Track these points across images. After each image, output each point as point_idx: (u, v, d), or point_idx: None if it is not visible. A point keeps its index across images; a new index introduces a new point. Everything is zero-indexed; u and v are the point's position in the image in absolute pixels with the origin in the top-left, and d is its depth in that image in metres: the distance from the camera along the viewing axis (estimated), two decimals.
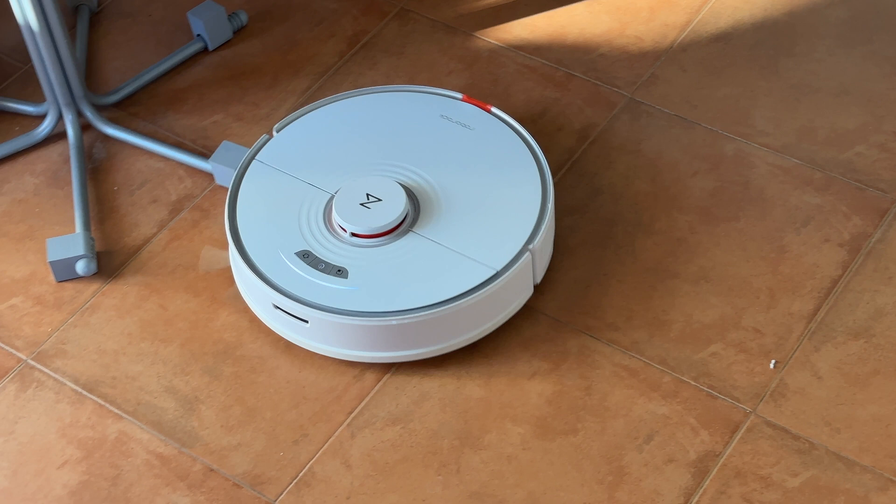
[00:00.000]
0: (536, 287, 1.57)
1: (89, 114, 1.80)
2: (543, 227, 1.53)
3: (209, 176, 1.75)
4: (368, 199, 1.55)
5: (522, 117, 1.78)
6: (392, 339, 1.49)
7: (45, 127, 1.80)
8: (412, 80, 1.86)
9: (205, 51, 1.93)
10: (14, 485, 1.44)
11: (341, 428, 1.48)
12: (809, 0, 1.88)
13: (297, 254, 1.52)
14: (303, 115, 1.69)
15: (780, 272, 1.57)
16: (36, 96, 1.86)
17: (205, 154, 1.78)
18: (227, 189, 1.70)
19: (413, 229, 1.55)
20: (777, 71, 1.80)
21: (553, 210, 1.56)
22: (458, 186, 1.59)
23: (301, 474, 1.44)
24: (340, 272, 1.50)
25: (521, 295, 1.54)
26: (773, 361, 1.48)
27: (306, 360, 1.53)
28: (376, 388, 1.51)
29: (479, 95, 1.83)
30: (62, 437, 1.48)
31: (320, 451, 1.46)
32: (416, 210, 1.57)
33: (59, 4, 1.71)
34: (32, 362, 1.55)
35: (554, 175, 1.71)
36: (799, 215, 1.62)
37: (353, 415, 1.49)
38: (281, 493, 1.43)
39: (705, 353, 1.50)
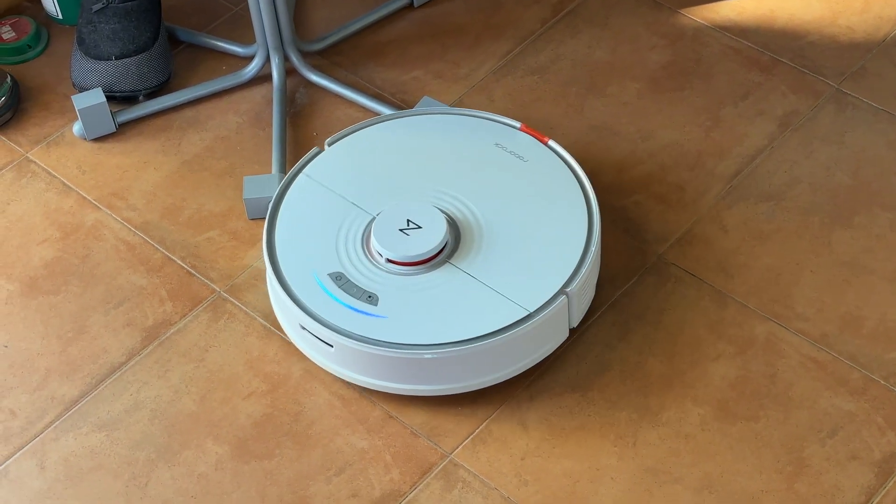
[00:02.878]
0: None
1: (295, 59, 1.83)
2: (584, 271, 1.47)
3: None
4: (409, 225, 1.50)
5: (723, 99, 1.77)
6: (414, 372, 1.45)
7: (251, 68, 1.85)
8: (613, 53, 1.85)
9: (410, 7, 1.95)
10: (202, 410, 1.48)
11: (520, 390, 1.49)
12: None
13: (330, 275, 1.48)
14: (356, 130, 1.65)
15: None
16: (244, 38, 1.91)
17: (403, 107, 1.80)
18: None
19: (451, 261, 1.49)
20: None
21: (598, 251, 1.51)
22: (502, 220, 1.53)
23: (477, 431, 1.46)
24: (371, 298, 1.46)
25: (554, 338, 1.49)
26: None
27: None
28: (559, 354, 1.51)
29: (681, 74, 1.82)
30: (249, 369, 1.52)
31: (497, 411, 1.47)
32: (455, 240, 1.51)
33: None
34: (225, 294, 1.60)
35: (752, 161, 1.69)
36: None
37: (532, 378, 1.49)
38: (457, 447, 1.44)
39: None
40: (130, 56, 1.81)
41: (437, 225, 1.50)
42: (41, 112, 1.85)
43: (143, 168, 1.76)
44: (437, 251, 1.49)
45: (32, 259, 1.65)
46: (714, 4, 1.89)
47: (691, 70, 1.82)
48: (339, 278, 1.48)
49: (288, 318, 1.50)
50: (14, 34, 1.91)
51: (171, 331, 1.56)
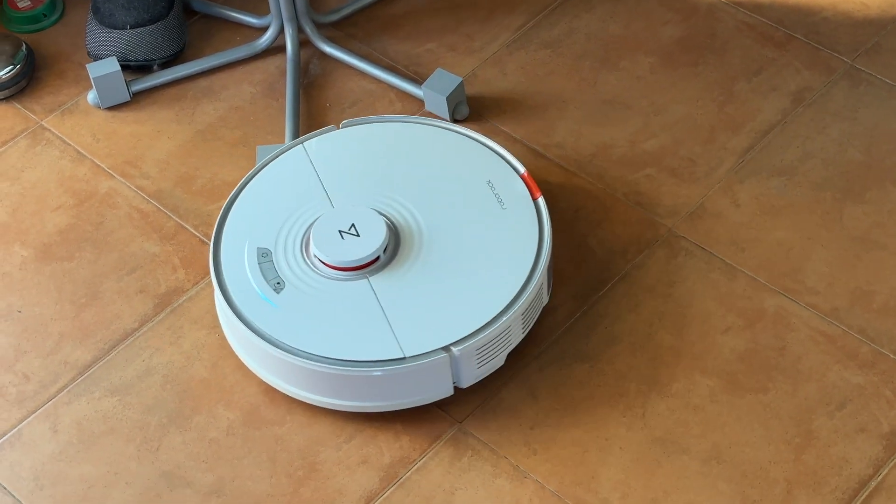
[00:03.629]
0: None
1: (309, 30, 1.84)
2: (486, 334, 1.41)
3: (419, 101, 1.78)
4: (351, 229, 1.47)
5: (736, 74, 1.77)
6: (290, 373, 1.43)
7: (265, 39, 1.85)
8: (626, 27, 1.85)
9: None
10: (213, 377, 1.50)
11: (530, 360, 1.49)
12: None
13: (259, 249, 1.49)
14: (374, 122, 1.64)
15: None
16: (259, 9, 1.91)
17: (416, 80, 1.81)
18: (437, 118, 1.73)
19: (370, 277, 1.46)
20: None
21: (518, 318, 1.45)
22: (444, 256, 1.48)
23: (487, 400, 1.47)
24: (278, 285, 1.45)
25: (432, 390, 1.44)
26: None
27: None
28: (569, 325, 1.51)
29: (695, 49, 1.82)
30: None
31: (507, 380, 1.48)
32: (389, 258, 1.48)
33: None
34: None
35: (765, 135, 1.69)
36: None
37: (542, 348, 1.50)
38: (467, 416, 1.45)
39: None
40: (145, 25, 1.82)
41: (375, 237, 1.47)
42: (56, 80, 1.85)
43: (157, 137, 1.77)
44: (358, 264, 1.46)
45: (46, 226, 1.66)
46: None
47: (705, 45, 1.82)
48: (264, 255, 1.48)
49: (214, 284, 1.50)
50: (29, 3, 1.92)
51: (184, 298, 1.57)
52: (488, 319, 1.42)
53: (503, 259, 1.48)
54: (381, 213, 1.51)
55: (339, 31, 1.89)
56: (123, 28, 1.81)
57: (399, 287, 1.46)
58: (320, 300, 1.45)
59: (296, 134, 1.73)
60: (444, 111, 1.74)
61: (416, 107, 1.78)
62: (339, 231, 1.47)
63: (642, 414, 1.45)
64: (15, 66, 1.81)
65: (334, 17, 1.89)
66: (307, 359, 1.40)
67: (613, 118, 1.75)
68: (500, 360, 1.46)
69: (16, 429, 1.46)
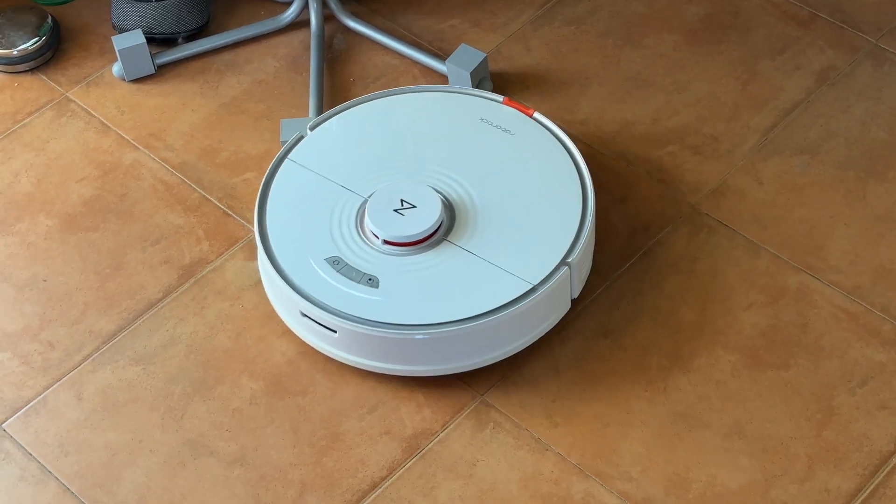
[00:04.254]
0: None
1: (333, 5, 1.84)
2: (583, 241, 1.46)
3: (443, 77, 1.78)
4: (403, 205, 1.48)
5: (760, 53, 1.77)
6: (419, 353, 1.44)
7: (290, 13, 1.85)
8: (650, 5, 1.85)
9: None
10: (237, 347, 1.50)
11: (552, 334, 1.50)
12: None
13: (327, 260, 1.46)
14: (337, 113, 1.63)
15: None
16: None
17: (440, 55, 1.81)
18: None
19: (448, 238, 1.48)
20: None
21: (593, 222, 1.49)
22: (495, 196, 1.51)
23: (509, 373, 1.47)
24: (371, 281, 1.44)
25: (557, 311, 1.48)
26: None
27: None
28: (591, 299, 1.52)
29: (718, 27, 1.82)
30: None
31: (530, 354, 1.48)
32: (451, 218, 1.50)
33: None
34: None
35: (788, 114, 1.69)
36: None
37: (565, 322, 1.50)
38: (489, 388, 1.46)
39: None
40: None
41: (431, 203, 1.48)
42: (81, 52, 1.86)
43: (182, 109, 1.78)
44: (433, 230, 1.48)
45: (71, 196, 1.67)
46: None
47: (728, 23, 1.82)
48: (336, 263, 1.46)
49: (287, 307, 1.48)
50: None
51: (207, 269, 1.58)
52: (576, 228, 1.48)
53: (548, 176, 1.54)
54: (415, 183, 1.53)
55: (364, 7, 1.89)
56: (149, 1, 1.82)
57: (479, 236, 1.49)
58: (419, 275, 1.46)
59: (319, 109, 1.74)
60: (469, 86, 1.74)
61: (440, 81, 1.78)
62: (394, 210, 1.48)
63: (664, 388, 1.45)
64: (40, 37, 1.82)
65: None
66: (447, 327, 1.41)
67: (636, 96, 1.76)
68: (590, 262, 1.54)
69: (41, 396, 1.47)
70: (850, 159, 1.64)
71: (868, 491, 1.34)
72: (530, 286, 1.43)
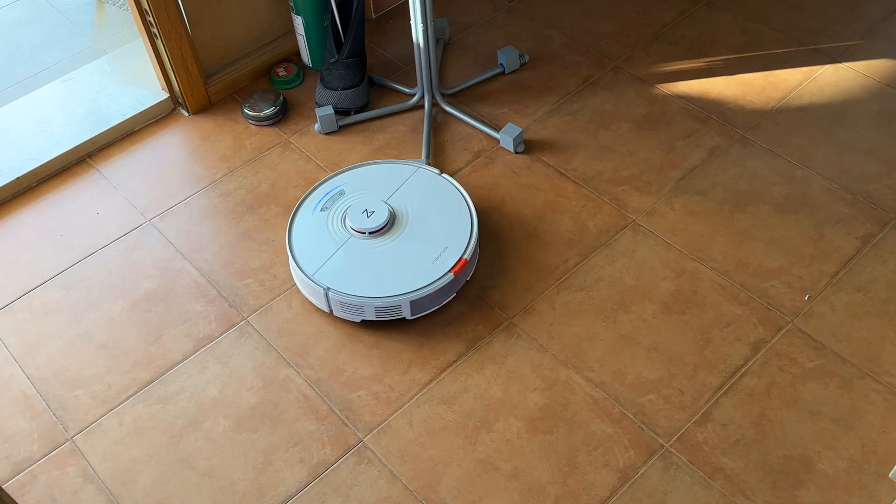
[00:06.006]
0: None
1: (437, 97, 1.85)
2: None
3: (495, 140, 1.78)
4: (366, 212, 1.46)
5: (676, 136, 1.74)
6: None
7: (413, 101, 1.86)
8: (614, 106, 1.83)
9: (502, 73, 1.95)
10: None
11: (552, 286, 1.48)
12: None
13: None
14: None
15: None
16: (410, 82, 1.92)
17: (495, 128, 1.81)
18: (507, 150, 1.73)
19: (388, 234, 1.44)
20: None
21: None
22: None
23: (527, 306, 1.46)
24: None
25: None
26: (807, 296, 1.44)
27: None
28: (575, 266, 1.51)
29: (652, 121, 1.79)
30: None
31: (539, 294, 1.47)
32: (391, 223, 1.46)
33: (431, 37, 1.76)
34: None
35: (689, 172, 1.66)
36: None
37: (563, 277, 1.49)
38: (515, 315, 1.44)
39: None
40: (348, 88, 1.84)
41: (382, 212, 1.46)
42: (297, 117, 1.87)
43: (351, 151, 1.78)
44: (379, 228, 1.45)
45: (288, 198, 1.68)
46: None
47: (658, 118, 1.79)
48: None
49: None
50: (286, 72, 1.93)
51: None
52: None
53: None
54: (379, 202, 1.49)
55: (454, 98, 1.89)
56: (336, 89, 1.84)
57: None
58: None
59: (428, 154, 1.75)
60: (511, 147, 1.75)
61: (494, 144, 1.78)
62: (362, 212, 1.46)
63: (614, 321, 1.44)
64: (276, 107, 1.85)
65: (451, 91, 1.89)
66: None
67: (605, 156, 1.74)
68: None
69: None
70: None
71: None
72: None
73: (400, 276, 1.39)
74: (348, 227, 1.46)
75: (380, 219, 1.45)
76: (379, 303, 1.38)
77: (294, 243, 1.46)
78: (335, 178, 1.59)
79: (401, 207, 1.50)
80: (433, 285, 1.39)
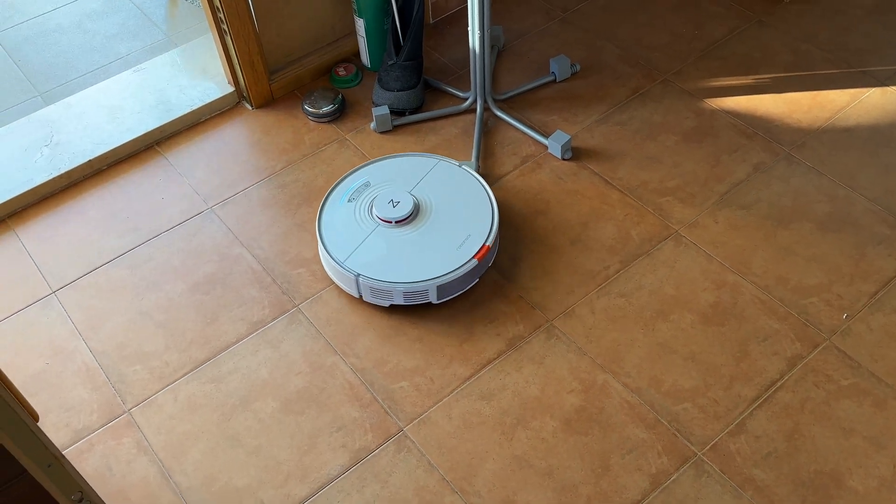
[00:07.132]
0: None
1: (490, 102, 1.85)
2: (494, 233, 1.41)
3: (544, 146, 1.78)
4: (393, 202, 1.47)
5: (721, 150, 1.72)
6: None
7: (466, 104, 1.86)
8: (663, 117, 1.81)
9: (554, 81, 1.94)
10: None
11: (592, 290, 1.48)
12: None
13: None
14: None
15: None
16: (464, 86, 1.92)
17: (544, 134, 1.81)
18: (554, 157, 1.73)
19: (412, 223, 1.45)
20: None
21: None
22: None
23: (567, 309, 1.45)
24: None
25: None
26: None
27: None
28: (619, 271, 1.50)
29: (700, 134, 1.77)
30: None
31: (580, 299, 1.47)
32: (415, 213, 1.47)
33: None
34: None
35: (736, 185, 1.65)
36: None
37: (604, 283, 1.48)
38: (555, 317, 1.44)
39: None
40: (404, 90, 1.84)
41: (407, 203, 1.46)
42: (354, 115, 1.87)
43: (404, 150, 1.77)
44: (404, 217, 1.45)
45: (314, 191, 1.69)
46: None
47: (706, 131, 1.77)
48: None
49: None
50: (345, 72, 1.94)
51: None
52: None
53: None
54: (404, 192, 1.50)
55: (505, 104, 1.89)
56: (392, 91, 1.85)
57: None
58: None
59: (478, 157, 1.75)
60: (558, 153, 1.75)
61: (542, 149, 1.77)
62: (389, 202, 1.46)
63: (653, 329, 1.43)
64: (335, 105, 1.86)
65: (503, 97, 1.90)
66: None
67: (651, 167, 1.73)
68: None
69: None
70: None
71: None
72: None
73: (426, 262, 1.40)
74: (375, 217, 1.46)
75: (405, 208, 1.45)
76: (407, 288, 1.38)
77: (324, 233, 1.47)
78: (360, 170, 1.60)
79: (424, 198, 1.50)
80: (458, 271, 1.40)
